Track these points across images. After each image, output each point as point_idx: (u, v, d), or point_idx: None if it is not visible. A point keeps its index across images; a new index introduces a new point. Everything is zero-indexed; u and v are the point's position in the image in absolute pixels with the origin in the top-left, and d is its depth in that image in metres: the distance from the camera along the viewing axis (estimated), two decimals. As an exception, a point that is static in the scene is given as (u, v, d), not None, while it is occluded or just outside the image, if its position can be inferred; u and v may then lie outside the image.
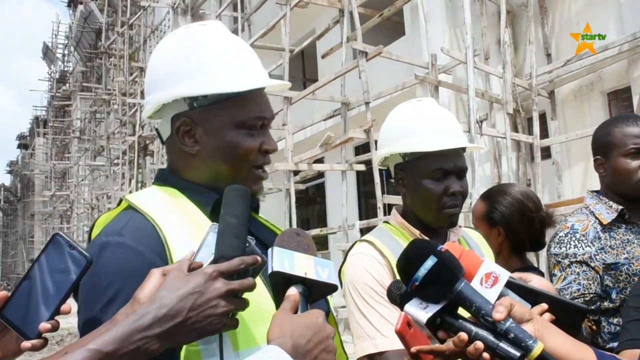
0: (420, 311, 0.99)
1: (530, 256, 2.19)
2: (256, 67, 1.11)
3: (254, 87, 1.05)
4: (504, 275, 1.06)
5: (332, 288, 0.92)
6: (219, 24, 1.14)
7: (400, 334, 1.04)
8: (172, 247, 0.95)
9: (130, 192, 14.82)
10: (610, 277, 1.74)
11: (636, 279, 1.71)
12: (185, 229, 0.99)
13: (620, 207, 1.80)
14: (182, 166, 1.09)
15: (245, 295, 0.84)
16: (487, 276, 1.06)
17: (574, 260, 1.75)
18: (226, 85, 1.04)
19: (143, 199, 1.04)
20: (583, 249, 1.76)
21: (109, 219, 1.02)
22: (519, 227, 1.97)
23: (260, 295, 0.94)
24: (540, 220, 1.99)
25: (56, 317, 0.82)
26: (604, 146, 1.83)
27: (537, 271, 2.01)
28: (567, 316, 1.06)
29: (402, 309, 1.03)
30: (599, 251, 1.76)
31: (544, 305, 1.09)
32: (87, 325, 0.89)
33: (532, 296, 1.14)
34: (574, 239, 1.79)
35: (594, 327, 1.68)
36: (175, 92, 1.04)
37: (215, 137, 1.05)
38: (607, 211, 1.82)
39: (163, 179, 1.10)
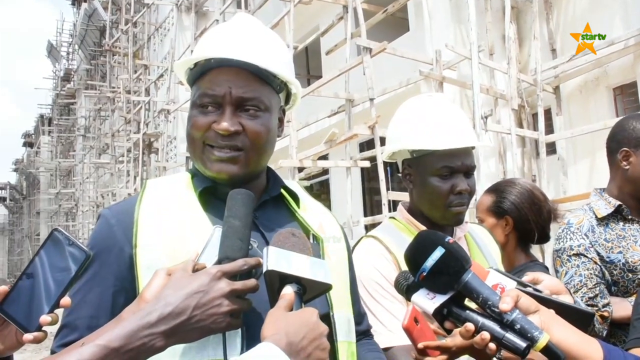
0: (428, 301, 1.00)
1: (536, 253, 2.19)
2: (223, 44, 1.07)
3: (199, 58, 1.07)
4: (511, 285, 1.07)
5: (326, 287, 0.93)
6: None
7: (407, 330, 1.04)
8: (140, 228, 0.99)
9: (135, 189, 14.87)
10: (605, 271, 1.76)
11: (630, 274, 1.73)
12: (168, 215, 1.02)
13: (618, 202, 1.80)
14: None
15: None
16: (493, 288, 1.07)
17: (571, 253, 1.79)
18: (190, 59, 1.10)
19: (154, 181, 1.11)
20: (578, 241, 1.79)
21: None
22: (529, 215, 1.97)
23: None
24: (548, 210, 2.00)
25: (55, 311, 0.84)
26: (638, 138, 1.79)
27: (542, 266, 2.02)
28: (574, 321, 1.07)
29: (409, 300, 1.03)
30: (592, 243, 1.78)
31: (551, 311, 1.10)
32: (73, 291, 0.96)
33: (539, 303, 1.14)
34: (569, 232, 1.83)
35: (605, 314, 1.69)
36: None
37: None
38: (605, 206, 1.83)
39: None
